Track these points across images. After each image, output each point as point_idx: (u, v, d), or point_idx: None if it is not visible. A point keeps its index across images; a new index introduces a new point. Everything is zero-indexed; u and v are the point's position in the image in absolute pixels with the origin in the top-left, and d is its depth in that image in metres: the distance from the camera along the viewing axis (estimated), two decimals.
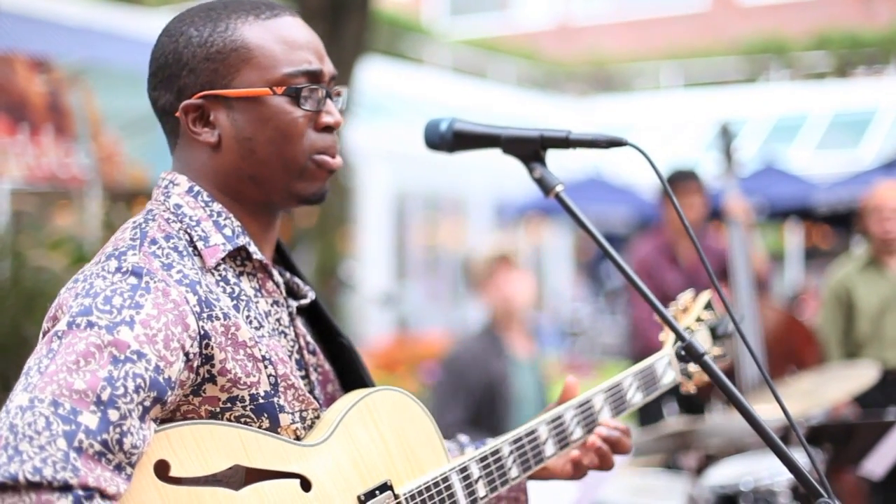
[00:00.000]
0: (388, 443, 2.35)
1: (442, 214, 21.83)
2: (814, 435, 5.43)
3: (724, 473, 5.63)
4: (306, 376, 2.36)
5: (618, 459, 2.75)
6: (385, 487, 2.29)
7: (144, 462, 1.95)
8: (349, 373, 2.50)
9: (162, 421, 2.04)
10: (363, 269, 18.78)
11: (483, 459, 2.45)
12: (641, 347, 7.35)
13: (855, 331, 7.38)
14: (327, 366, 2.47)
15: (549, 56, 29.76)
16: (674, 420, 5.27)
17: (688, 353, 2.34)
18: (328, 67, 2.34)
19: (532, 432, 2.54)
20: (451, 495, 2.37)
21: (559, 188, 2.48)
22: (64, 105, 10.09)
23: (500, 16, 32.66)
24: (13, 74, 9.68)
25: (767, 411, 5.24)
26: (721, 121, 7.52)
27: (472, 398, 6.04)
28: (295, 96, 2.25)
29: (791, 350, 7.22)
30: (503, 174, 20.00)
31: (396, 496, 2.30)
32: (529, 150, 2.52)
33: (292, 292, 2.45)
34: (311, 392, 2.35)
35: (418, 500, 2.32)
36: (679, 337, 2.36)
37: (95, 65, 10.82)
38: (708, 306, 2.98)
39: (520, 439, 2.52)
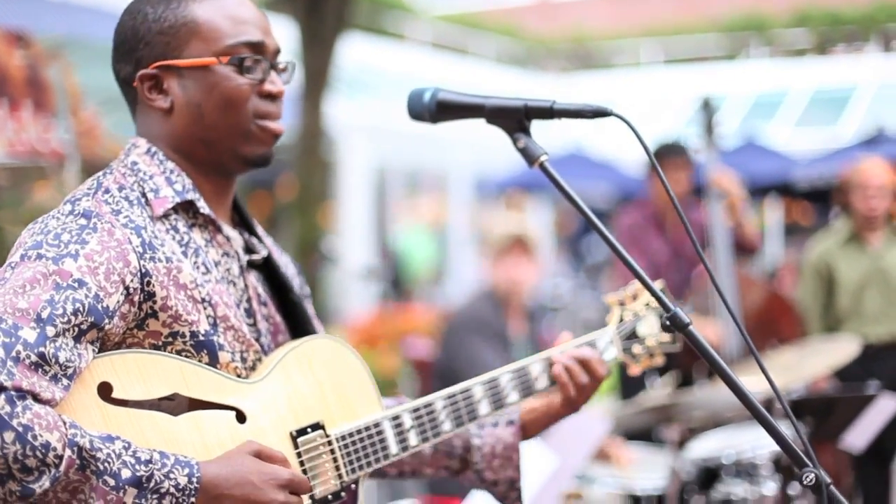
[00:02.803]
0: (323, 387, 2.53)
1: (423, 189, 21.81)
2: (794, 409, 5.44)
3: (706, 446, 5.65)
4: (254, 324, 2.56)
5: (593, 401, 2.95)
6: (317, 427, 2.49)
7: (88, 382, 2.18)
8: (300, 327, 2.70)
9: (109, 351, 2.26)
10: (344, 244, 18.79)
11: (416, 410, 2.64)
12: None
13: (835, 305, 7.41)
14: (278, 318, 2.67)
15: (530, 33, 29.70)
16: (656, 393, 5.27)
17: (672, 324, 2.36)
18: (272, 41, 2.57)
19: (466, 390, 2.73)
20: (383, 440, 2.57)
21: (543, 158, 2.50)
22: (43, 79, 10.04)
23: None
24: None
25: (752, 383, 5.27)
26: (702, 95, 7.52)
27: (498, 347, 6.03)
28: (238, 65, 2.49)
29: (772, 324, 7.25)
30: (484, 149, 20.00)
31: (328, 436, 2.50)
32: (513, 120, 2.54)
33: (249, 250, 2.66)
34: (257, 338, 2.55)
35: (349, 440, 2.52)
36: (664, 307, 2.38)
37: (75, 39, 10.81)
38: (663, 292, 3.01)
39: (454, 395, 2.71)
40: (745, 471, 5.35)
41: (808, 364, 5.57)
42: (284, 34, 14.47)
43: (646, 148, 2.42)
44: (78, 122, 10.40)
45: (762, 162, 14.54)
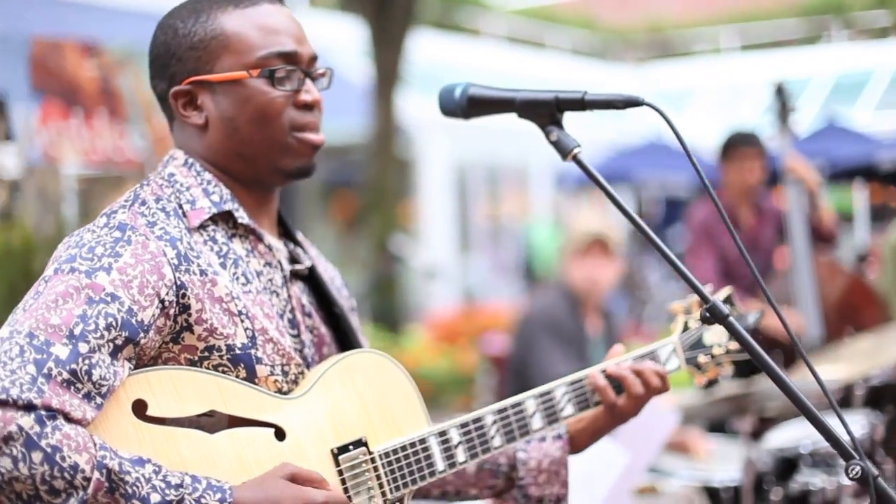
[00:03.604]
0: (367, 402, 2.44)
1: (504, 186, 21.76)
2: (875, 395, 5.33)
3: (784, 437, 5.55)
4: (297, 335, 2.50)
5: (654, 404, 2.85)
6: (360, 443, 2.41)
7: (123, 400, 2.12)
8: (345, 339, 2.65)
9: (144, 366, 2.21)
10: (426, 241, 18.80)
11: (464, 426, 2.54)
12: None
13: None
14: (324, 329, 2.61)
15: (606, 23, 29.52)
16: (728, 383, 5.17)
17: (711, 315, 2.28)
18: (307, 49, 2.49)
19: (518, 405, 2.63)
20: (429, 457, 2.49)
21: (577, 150, 2.44)
22: (115, 88, 10.13)
23: None
24: (63, 60, 9.78)
25: (828, 372, 5.16)
26: (776, 80, 7.37)
27: (569, 348, 5.98)
28: (270, 77, 2.42)
29: (853, 311, 7.11)
30: None
31: (371, 453, 2.42)
32: (545, 113, 2.48)
33: (293, 260, 2.59)
34: (300, 350, 2.49)
35: (392, 458, 2.44)
36: (703, 298, 2.31)
37: (145, 47, 10.93)
38: (729, 301, 2.89)
39: (504, 410, 2.61)
40: (824, 461, 5.25)
41: (889, 350, 5.45)
42: (354, 33, 14.54)
43: (678, 135, 2.36)
44: (152, 130, 10.49)
45: (845, 145, 14.32)
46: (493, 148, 20.23)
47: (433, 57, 21.61)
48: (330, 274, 2.78)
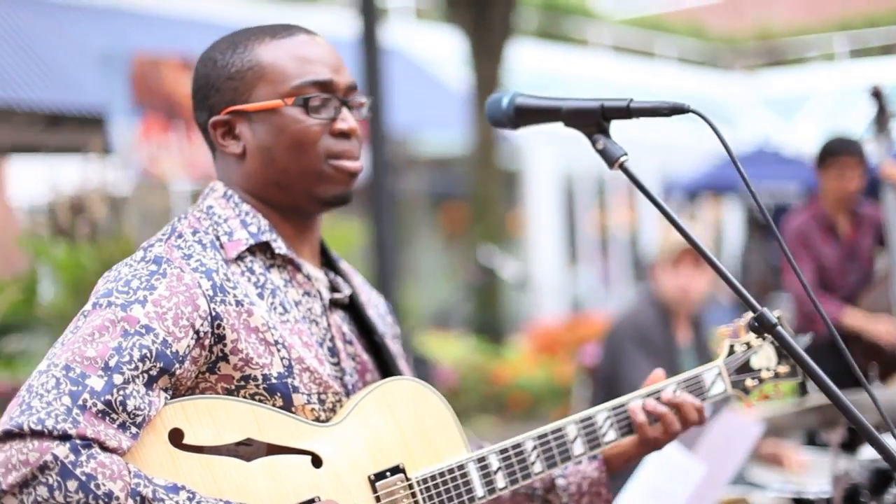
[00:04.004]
0: (404, 429, 2.44)
1: (612, 195, 21.64)
2: None
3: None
4: (338, 363, 2.53)
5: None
6: (397, 470, 2.41)
7: (160, 429, 2.17)
8: (388, 367, 2.66)
9: (182, 396, 2.26)
10: (533, 253, 18.77)
11: (503, 451, 2.52)
12: (802, 320, 7.10)
13: None
14: (365, 356, 2.63)
15: (715, 31, 29.23)
16: (816, 394, 5.06)
17: (759, 324, 2.25)
18: (343, 78, 2.53)
19: (559, 430, 2.61)
20: (467, 483, 2.47)
21: (623, 159, 2.43)
22: None
23: None
24: (163, 75, 9.99)
25: None
26: (871, 85, 7.21)
27: (657, 359, 5.92)
28: (304, 105, 2.46)
29: None
30: (671, 150, 19.76)
31: (408, 479, 2.41)
32: (591, 121, 2.47)
33: (335, 289, 2.63)
34: (341, 377, 2.51)
35: (430, 484, 2.43)
36: (751, 308, 2.27)
37: None
38: (780, 324, 2.86)
39: (545, 436, 2.59)
40: None
41: None
42: (454, 45, 14.58)
43: (724, 142, 2.34)
44: None
45: None
46: (600, 159, 20.12)
47: (539, 67, 21.61)
48: (374, 302, 2.80)
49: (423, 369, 9.43)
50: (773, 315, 2.26)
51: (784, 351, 2.26)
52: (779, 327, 2.25)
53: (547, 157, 19.05)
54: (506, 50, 12.40)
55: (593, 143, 2.47)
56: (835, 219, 7.27)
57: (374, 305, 2.79)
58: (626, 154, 2.42)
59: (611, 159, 2.43)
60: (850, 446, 5.29)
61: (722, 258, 21.13)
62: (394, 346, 2.74)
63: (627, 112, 2.45)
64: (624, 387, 5.81)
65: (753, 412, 5.08)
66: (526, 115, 2.55)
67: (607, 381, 6.03)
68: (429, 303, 14.30)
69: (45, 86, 13.06)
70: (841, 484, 4.90)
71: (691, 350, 6.13)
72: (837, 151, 7.21)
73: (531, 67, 21.16)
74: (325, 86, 2.48)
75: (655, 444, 2.71)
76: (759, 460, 5.49)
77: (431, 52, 19.11)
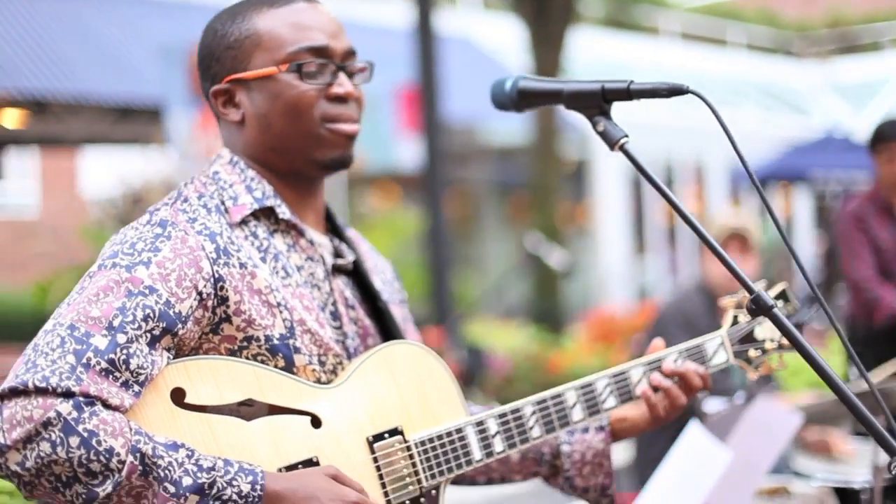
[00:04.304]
0: (404, 392, 2.49)
1: (680, 184, 21.49)
2: None
3: None
4: (340, 327, 2.57)
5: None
6: (395, 432, 2.46)
7: (162, 388, 2.22)
8: (391, 332, 2.69)
9: (185, 356, 2.31)
10: (601, 241, 18.70)
11: (502, 416, 2.58)
12: (862, 309, 7.01)
13: None
14: (367, 321, 2.66)
15: (788, 19, 28.90)
16: (857, 381, 5.02)
17: (756, 306, 2.23)
18: (341, 43, 2.56)
19: (558, 396, 2.65)
20: (465, 446, 2.53)
21: (623, 141, 2.41)
22: None
23: None
24: None
25: None
26: None
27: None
28: (298, 71, 2.50)
29: None
30: (740, 138, 19.59)
31: (406, 441, 2.47)
32: (592, 103, 2.46)
33: (339, 255, 2.67)
34: (342, 341, 2.56)
35: (428, 446, 2.49)
36: (748, 289, 2.26)
37: None
38: (784, 297, 2.87)
39: (544, 401, 2.63)
40: None
41: None
42: (514, 33, 14.56)
43: (723, 124, 2.32)
44: None
45: None
46: (668, 145, 20.00)
47: (608, 56, 21.53)
48: (381, 268, 2.84)
49: (477, 358, 9.44)
50: (769, 297, 2.24)
51: (784, 328, 2.22)
52: (775, 309, 2.23)
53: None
54: (567, 38, 12.34)
55: (594, 125, 2.45)
56: (891, 202, 7.16)
57: (381, 271, 2.83)
58: (626, 136, 2.41)
59: (611, 141, 2.41)
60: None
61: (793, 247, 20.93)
62: (399, 311, 2.78)
63: (628, 94, 2.43)
64: None
65: (789, 403, 5.04)
66: (528, 97, 2.54)
67: None
68: (492, 292, 14.28)
69: (112, 79, 13.22)
70: (881, 474, 4.85)
71: None
72: (889, 136, 7.10)
73: (598, 56, 21.10)
74: (321, 51, 2.52)
75: (666, 416, 2.76)
76: (805, 449, 5.44)
77: (498, 41, 19.10)
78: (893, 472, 2.10)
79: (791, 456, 5.29)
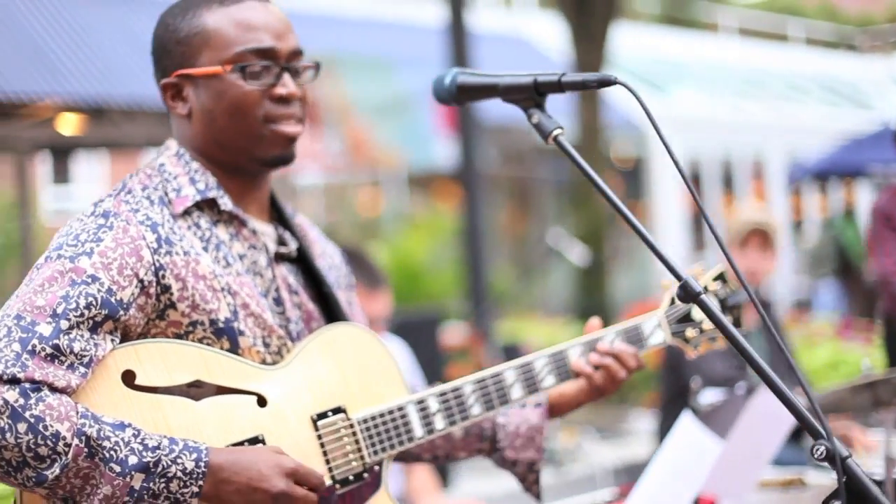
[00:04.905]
0: (346, 373, 2.59)
1: (739, 182, 21.33)
2: None
3: None
4: (283, 312, 2.64)
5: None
6: (339, 410, 2.56)
7: (113, 371, 2.32)
8: (334, 316, 2.77)
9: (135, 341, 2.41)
10: (658, 240, 18.57)
11: (442, 394, 2.68)
12: (891, 302, 6.95)
13: None
14: (311, 306, 2.74)
15: (849, 13, 28.57)
16: (870, 369, 4.96)
17: (684, 293, 2.25)
18: (286, 44, 2.62)
19: (497, 374, 2.74)
20: (406, 423, 2.63)
21: (557, 132, 2.44)
22: (311, 95, 10.43)
23: None
24: None
25: None
26: None
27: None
28: (243, 72, 2.56)
29: None
30: (798, 132, 19.40)
31: (350, 419, 2.57)
32: (527, 96, 2.50)
33: (283, 243, 2.75)
34: (286, 326, 2.63)
35: (370, 424, 2.59)
36: (676, 276, 2.28)
37: (343, 53, 11.21)
38: (722, 279, 2.95)
39: (484, 380, 2.72)
40: None
41: None
42: (555, 30, 14.52)
43: (648, 114, 2.33)
44: (349, 134, 10.77)
45: None
46: (726, 141, 19.85)
47: (665, 53, 21.41)
48: (329, 253, 2.93)
49: (513, 357, 9.39)
50: (697, 284, 2.26)
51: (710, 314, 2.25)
52: (703, 296, 2.25)
53: (673, 143, 18.83)
54: (610, 34, 12.29)
55: (529, 118, 2.49)
56: None
57: (330, 256, 2.92)
58: (560, 128, 2.43)
59: (544, 132, 2.44)
60: None
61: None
62: (345, 296, 2.88)
63: (559, 86, 2.47)
64: (689, 370, 5.77)
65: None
66: (467, 92, 2.60)
67: (673, 365, 5.98)
68: (537, 289, 14.30)
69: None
70: (892, 466, 4.81)
71: (759, 333, 6.05)
72: None
73: (655, 53, 21.00)
74: (266, 53, 2.58)
75: (603, 391, 2.87)
76: None
77: (553, 39, 19.09)
78: (817, 456, 2.11)
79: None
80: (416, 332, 7.14)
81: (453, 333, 10.47)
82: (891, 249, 6.89)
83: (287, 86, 2.60)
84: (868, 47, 27.55)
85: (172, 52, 2.60)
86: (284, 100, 2.60)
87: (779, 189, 20.90)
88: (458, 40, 9.33)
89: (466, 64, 9.15)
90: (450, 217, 12.23)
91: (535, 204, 20.32)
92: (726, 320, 2.24)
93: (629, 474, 6.40)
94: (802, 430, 5.26)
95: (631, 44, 19.36)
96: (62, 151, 16.17)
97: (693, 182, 15.20)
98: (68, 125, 12.43)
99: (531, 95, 2.49)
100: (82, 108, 12.54)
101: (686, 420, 4.06)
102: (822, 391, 5.38)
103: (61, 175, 19.38)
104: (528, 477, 2.98)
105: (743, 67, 22.30)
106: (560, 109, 13.94)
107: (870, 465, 5.17)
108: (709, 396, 4.39)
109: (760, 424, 4.34)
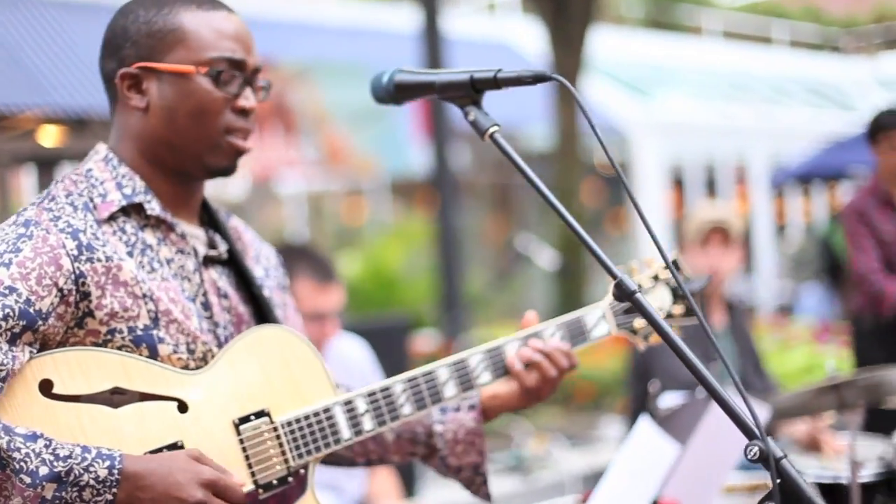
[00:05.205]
0: (271, 375, 2.56)
1: (723, 186, 21.34)
2: None
3: None
4: (211, 316, 2.63)
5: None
6: (262, 414, 2.54)
7: (30, 380, 2.31)
8: (265, 319, 2.76)
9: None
10: (642, 244, 18.58)
11: (371, 394, 2.65)
12: (868, 302, 6.95)
13: None
14: (241, 308, 2.73)
15: (833, 15, 28.64)
16: (835, 371, 4.93)
17: (619, 291, 2.24)
18: (253, 60, 2.66)
19: (429, 373, 2.72)
20: (333, 425, 2.60)
21: (493, 130, 2.46)
22: (288, 102, 10.39)
23: None
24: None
25: None
26: None
27: (690, 344, 5.80)
28: (216, 77, 2.58)
29: None
30: (781, 136, 19.41)
31: (273, 422, 2.54)
32: (463, 93, 2.50)
33: (214, 246, 2.74)
34: (214, 330, 2.62)
35: (295, 426, 2.57)
36: (610, 274, 2.26)
37: (319, 60, 11.20)
38: (676, 265, 2.88)
39: (415, 378, 2.70)
40: None
41: None
42: (534, 35, 14.51)
43: (585, 112, 2.33)
44: (325, 141, 10.76)
45: None
46: (709, 145, 19.86)
47: (649, 57, 21.42)
48: (265, 254, 2.93)
49: None
50: (632, 283, 2.24)
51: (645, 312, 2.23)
52: (638, 294, 2.23)
53: (654, 147, 18.87)
54: (588, 38, 12.27)
55: (465, 115, 2.49)
56: (891, 194, 7.08)
57: (266, 258, 2.92)
58: (496, 125, 2.44)
59: (481, 130, 2.44)
60: (884, 430, 5.14)
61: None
62: (280, 297, 2.88)
63: (495, 82, 2.49)
64: (656, 372, 5.73)
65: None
66: (404, 90, 2.61)
67: (641, 370, 5.94)
68: (514, 296, 14.24)
69: None
70: (856, 469, 4.78)
71: (727, 334, 6.00)
72: (887, 124, 7.03)
73: (639, 56, 21.00)
74: (238, 64, 2.60)
75: (537, 394, 2.83)
76: (796, 445, 5.38)
77: (534, 44, 19.09)
78: (750, 458, 2.09)
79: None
80: (385, 339, 7.11)
81: (425, 341, 10.44)
82: (867, 246, 6.89)
83: (249, 99, 2.63)
84: (852, 49, 27.61)
85: (140, 43, 2.58)
86: (245, 112, 2.62)
87: (762, 192, 20.92)
88: (433, 45, 9.34)
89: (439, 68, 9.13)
90: (426, 224, 12.22)
91: (516, 210, 20.30)
92: (661, 319, 2.23)
93: (597, 481, 6.33)
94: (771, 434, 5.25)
95: (614, 47, 19.37)
96: (46, 163, 16.15)
97: (676, 186, 15.26)
98: (50, 137, 12.42)
99: (468, 93, 2.49)
100: (64, 120, 12.52)
101: (644, 424, 4.03)
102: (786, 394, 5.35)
103: (45, 187, 19.38)
104: (476, 480, 2.96)
105: (727, 70, 22.31)
106: (538, 115, 13.96)
107: (840, 469, 5.14)
108: (668, 400, 4.36)
109: (723, 429, 4.30)
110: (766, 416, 4.58)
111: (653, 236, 2.20)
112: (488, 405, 2.91)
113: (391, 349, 7.07)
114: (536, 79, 2.41)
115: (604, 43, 15.88)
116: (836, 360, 6.02)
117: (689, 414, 4.13)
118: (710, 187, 20.73)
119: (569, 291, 12.13)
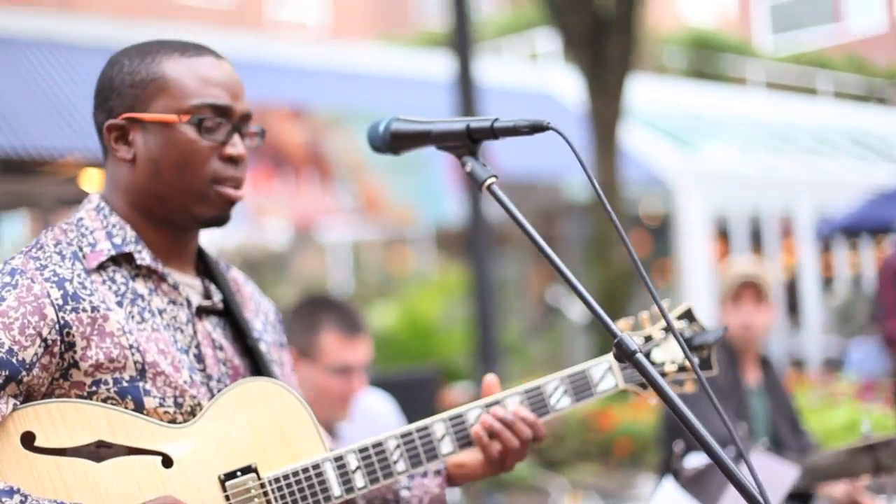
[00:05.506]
0: (259, 429, 2.48)
1: (769, 238, 21.17)
2: None
3: None
4: (204, 369, 2.56)
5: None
6: (249, 470, 2.45)
7: (12, 433, 2.26)
8: (262, 372, 2.69)
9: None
10: (687, 296, 18.43)
11: (363, 450, 2.55)
12: None
13: None
14: (237, 361, 2.66)
15: (878, 66, 28.51)
16: (870, 432, 4.80)
17: (619, 351, 2.15)
18: (240, 106, 2.60)
19: (424, 428, 2.61)
20: (323, 483, 2.50)
21: (490, 181, 2.40)
22: (323, 150, 10.38)
23: (825, 28, 31.49)
24: (270, 125, 10.27)
25: None
26: None
27: (724, 402, 5.69)
28: (198, 125, 2.53)
29: None
30: (827, 186, 19.24)
31: (260, 479, 2.45)
32: (460, 143, 2.44)
33: (210, 297, 2.68)
34: (206, 382, 2.55)
35: (283, 483, 2.47)
36: (610, 332, 2.18)
37: (355, 109, 11.22)
38: (689, 317, 2.81)
39: (409, 434, 2.59)
40: None
41: None
42: (574, 84, 14.51)
43: (580, 160, 2.26)
44: (361, 188, 10.74)
45: None
46: (754, 196, 19.71)
47: (693, 107, 21.36)
48: (264, 309, 2.86)
49: None
50: (632, 342, 2.15)
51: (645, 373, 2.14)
52: (638, 355, 2.14)
53: (698, 198, 18.75)
54: (626, 87, 12.23)
55: (462, 165, 2.41)
56: None
57: (265, 313, 2.85)
58: (494, 176, 2.38)
59: (478, 181, 2.37)
60: None
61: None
62: (277, 353, 2.81)
63: (492, 132, 2.43)
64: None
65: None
66: (401, 139, 2.55)
67: (672, 424, 5.83)
68: (551, 348, 14.14)
69: None
70: None
71: (762, 390, 5.89)
72: None
73: (683, 107, 20.94)
74: (222, 110, 2.56)
75: (502, 462, 2.71)
76: None
77: (576, 94, 19.11)
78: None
79: None
80: (416, 391, 7.04)
81: (459, 393, 10.31)
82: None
83: (237, 146, 2.58)
84: None
85: (124, 93, 2.55)
86: (233, 160, 2.57)
87: (808, 245, 20.72)
88: (466, 94, 9.30)
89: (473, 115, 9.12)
90: (464, 274, 12.21)
91: (566, 262, 20.25)
92: (660, 378, 2.14)
93: None
94: (807, 496, 5.15)
95: (657, 98, 19.32)
96: None
97: (720, 238, 15.17)
98: (92, 181, 12.53)
99: (465, 143, 2.44)
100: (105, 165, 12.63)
101: (667, 485, 3.92)
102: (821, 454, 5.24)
103: None
104: None
105: (771, 121, 22.20)
106: (575, 166, 13.86)
107: None
108: (693, 460, 4.23)
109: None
110: (794, 477, 4.45)
111: (646, 283, 2.15)
112: (454, 472, 2.81)
113: (421, 401, 6.98)
114: (533, 129, 2.36)
115: (646, 93, 15.83)
116: (878, 418, 5.87)
117: (716, 476, 4.01)
118: (756, 239, 20.55)
119: (604, 343, 11.99)
